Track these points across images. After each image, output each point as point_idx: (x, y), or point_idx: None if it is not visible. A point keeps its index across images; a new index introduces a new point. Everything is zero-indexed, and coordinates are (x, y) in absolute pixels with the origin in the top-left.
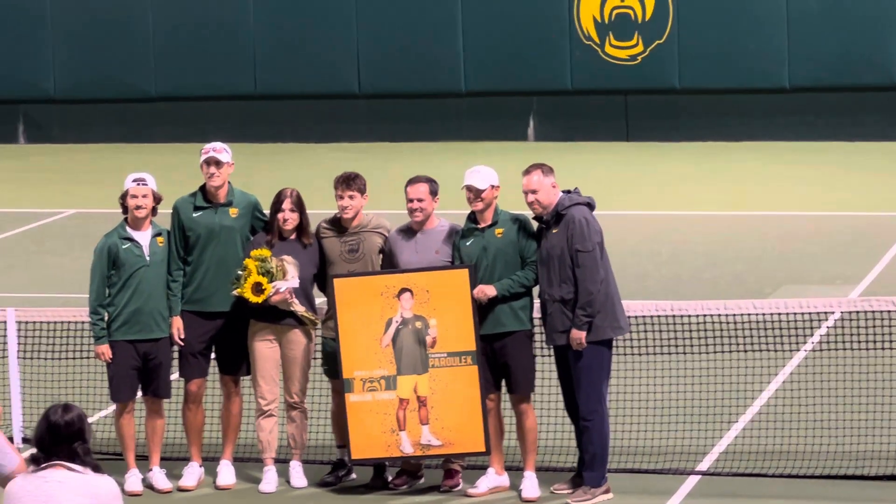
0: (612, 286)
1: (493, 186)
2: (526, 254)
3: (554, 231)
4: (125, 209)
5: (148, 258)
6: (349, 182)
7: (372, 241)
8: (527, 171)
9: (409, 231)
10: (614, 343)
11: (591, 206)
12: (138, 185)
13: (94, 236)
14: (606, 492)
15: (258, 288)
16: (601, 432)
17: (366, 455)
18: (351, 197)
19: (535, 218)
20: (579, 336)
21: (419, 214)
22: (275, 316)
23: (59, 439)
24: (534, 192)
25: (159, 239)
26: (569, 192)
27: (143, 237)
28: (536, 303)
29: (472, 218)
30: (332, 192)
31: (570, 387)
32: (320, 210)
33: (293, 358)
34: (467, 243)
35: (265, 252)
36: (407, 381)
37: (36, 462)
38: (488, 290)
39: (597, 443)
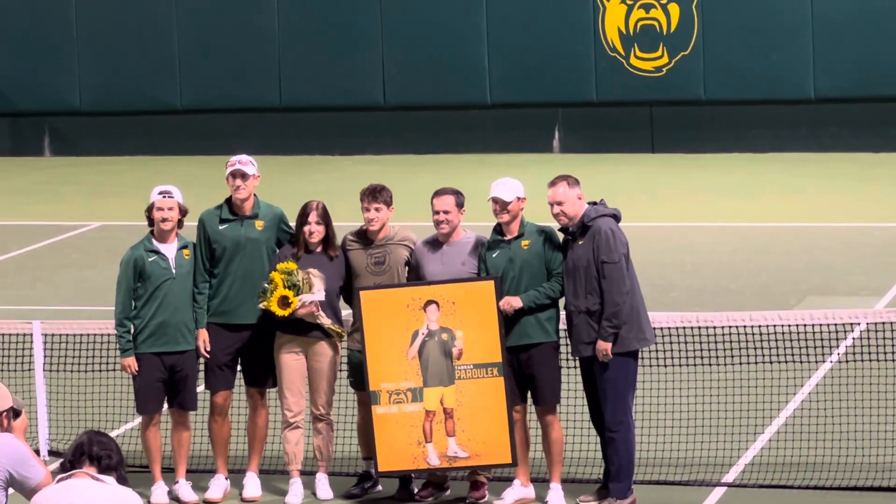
0: (637, 297)
1: (518, 198)
2: (552, 265)
3: (580, 242)
4: (151, 222)
5: (174, 271)
6: (375, 194)
7: (398, 254)
8: (552, 183)
9: (435, 243)
10: (640, 354)
11: (616, 217)
12: (164, 197)
13: (120, 249)
14: (632, 503)
15: (284, 301)
16: (627, 443)
17: (392, 467)
18: (377, 209)
19: (560, 229)
20: (605, 347)
21: (445, 226)
22: (301, 328)
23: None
24: (559, 203)
25: (185, 251)
26: (594, 203)
27: (169, 250)
28: (562, 314)
29: (499, 230)
30: (358, 205)
31: (596, 398)
32: (346, 222)
33: (319, 370)
34: (493, 255)
35: (291, 265)
36: (433, 393)
37: (63, 468)
38: (514, 302)
39: (622, 454)
